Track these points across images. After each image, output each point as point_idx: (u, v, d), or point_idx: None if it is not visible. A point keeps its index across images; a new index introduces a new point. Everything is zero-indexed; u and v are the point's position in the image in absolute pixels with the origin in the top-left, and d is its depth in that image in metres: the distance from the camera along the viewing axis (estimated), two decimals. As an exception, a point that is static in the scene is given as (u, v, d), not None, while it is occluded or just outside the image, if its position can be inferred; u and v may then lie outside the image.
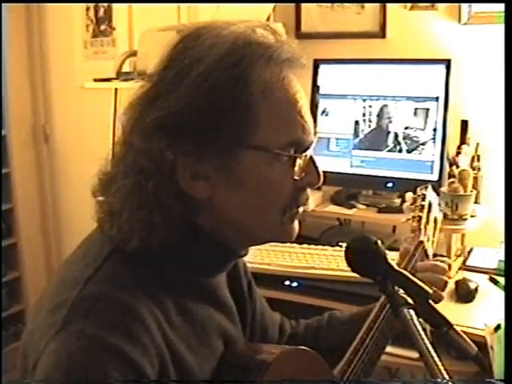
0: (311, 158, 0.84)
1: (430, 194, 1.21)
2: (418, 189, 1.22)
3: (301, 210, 0.86)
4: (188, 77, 0.77)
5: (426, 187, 1.22)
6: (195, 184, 0.79)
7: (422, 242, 1.13)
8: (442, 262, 1.09)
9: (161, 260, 0.80)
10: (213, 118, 0.76)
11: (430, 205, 1.18)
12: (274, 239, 0.89)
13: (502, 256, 1.77)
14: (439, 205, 1.80)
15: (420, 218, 1.15)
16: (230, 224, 0.82)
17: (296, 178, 0.81)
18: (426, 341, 0.80)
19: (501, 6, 1.78)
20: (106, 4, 2.76)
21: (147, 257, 0.79)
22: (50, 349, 0.71)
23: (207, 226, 0.82)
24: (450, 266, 1.06)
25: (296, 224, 0.86)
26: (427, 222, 1.16)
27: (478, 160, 1.97)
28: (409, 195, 1.23)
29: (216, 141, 0.77)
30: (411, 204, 1.19)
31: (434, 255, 1.18)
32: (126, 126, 0.81)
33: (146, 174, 0.77)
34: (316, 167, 0.84)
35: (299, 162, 0.81)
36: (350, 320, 1.13)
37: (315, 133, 0.85)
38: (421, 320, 0.84)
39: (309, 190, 0.86)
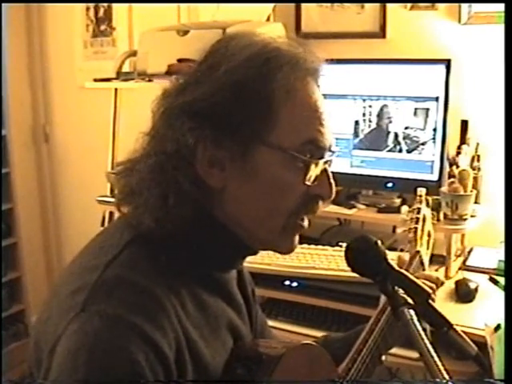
0: (326, 170, 0.85)
1: (425, 208, 1.27)
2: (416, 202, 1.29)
3: (306, 221, 0.87)
4: (217, 71, 0.81)
5: (421, 202, 1.28)
6: (211, 171, 0.81)
7: (418, 252, 1.16)
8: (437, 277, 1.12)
9: (177, 248, 0.82)
10: (235, 110, 0.80)
11: (424, 218, 1.24)
12: (272, 244, 0.89)
13: (502, 256, 1.77)
14: (439, 205, 1.81)
15: (416, 229, 1.20)
16: (238, 219, 0.84)
17: (307, 183, 0.83)
18: (426, 341, 0.80)
19: (501, 6, 1.78)
20: (105, 4, 2.76)
21: (165, 245, 0.81)
22: (72, 329, 0.72)
23: (220, 217, 0.84)
24: (442, 283, 1.13)
25: (297, 238, 0.88)
26: (422, 234, 1.21)
27: (478, 160, 1.97)
28: (404, 209, 1.30)
29: (235, 132, 0.80)
30: (407, 216, 1.25)
31: (432, 255, 1.20)
32: (156, 114, 0.85)
33: (167, 155, 0.81)
34: (329, 180, 0.85)
35: (313, 167, 0.83)
36: (346, 336, 1.14)
37: (333, 148, 0.86)
38: (421, 320, 0.85)
39: (320, 203, 0.86)
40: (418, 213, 1.24)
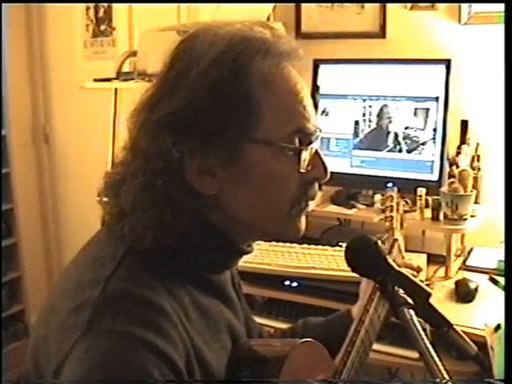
0: (317, 152, 0.84)
1: (396, 195, 1.28)
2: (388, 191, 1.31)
3: (310, 204, 0.86)
4: (188, 76, 0.78)
5: (392, 189, 1.29)
6: (203, 180, 0.80)
7: (396, 240, 1.18)
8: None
9: (175, 257, 0.81)
10: (215, 114, 0.77)
11: (398, 205, 1.26)
12: (281, 234, 0.89)
13: (502, 256, 1.77)
14: (439, 205, 1.81)
15: (392, 217, 1.21)
16: (239, 219, 0.83)
17: (302, 170, 0.82)
18: (426, 341, 0.80)
19: (501, 6, 1.78)
20: (105, 4, 2.76)
21: (162, 254, 0.80)
22: (79, 350, 0.69)
23: (218, 222, 0.83)
24: (421, 269, 1.15)
25: (303, 220, 0.87)
26: (397, 222, 1.23)
27: (478, 160, 1.97)
28: (377, 197, 1.31)
29: (220, 136, 0.78)
30: (382, 205, 1.28)
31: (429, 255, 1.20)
32: (133, 130, 0.82)
33: (155, 173, 0.78)
34: (323, 162, 0.84)
35: (304, 154, 0.82)
36: (325, 322, 1.15)
37: (320, 130, 0.85)
38: (421, 320, 0.85)
39: (317, 185, 0.86)
40: (392, 201, 1.25)
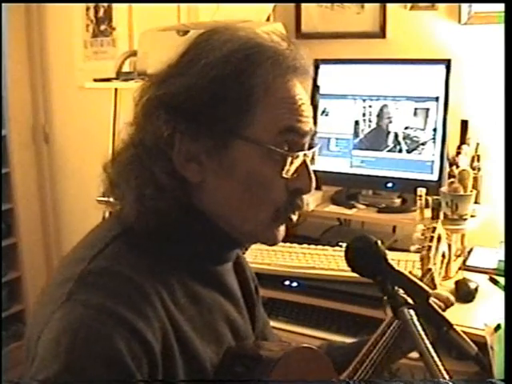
0: (306, 163, 0.85)
1: (440, 228, 1.29)
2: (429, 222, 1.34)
3: (295, 216, 0.86)
4: (197, 64, 0.81)
5: (437, 221, 1.33)
6: (189, 166, 0.82)
7: (429, 270, 1.17)
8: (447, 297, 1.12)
9: (163, 241, 0.83)
10: (211, 105, 0.80)
11: (439, 238, 1.25)
12: (256, 236, 0.88)
13: (502, 256, 1.77)
14: (439, 205, 1.81)
15: (430, 247, 1.21)
16: (219, 213, 0.84)
17: (284, 175, 0.82)
18: (426, 341, 0.80)
19: (501, 6, 1.78)
20: (105, 4, 2.76)
21: (150, 238, 0.82)
22: (55, 317, 0.73)
23: (201, 209, 0.84)
24: (452, 303, 1.12)
25: (282, 229, 0.87)
26: (436, 253, 1.22)
27: (478, 160, 1.97)
28: (420, 227, 1.32)
29: (211, 126, 0.80)
30: (421, 235, 1.27)
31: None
32: (139, 103, 0.85)
33: (145, 147, 0.82)
34: (309, 173, 0.85)
35: (290, 161, 0.82)
36: (349, 344, 1.15)
37: (315, 133, 0.85)
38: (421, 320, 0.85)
39: (304, 197, 0.86)
40: (433, 232, 1.25)
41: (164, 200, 0.81)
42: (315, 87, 2.07)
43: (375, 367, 0.94)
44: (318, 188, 2.14)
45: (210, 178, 0.82)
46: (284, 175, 0.82)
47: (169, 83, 0.82)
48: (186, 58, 0.83)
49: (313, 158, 0.86)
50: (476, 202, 1.89)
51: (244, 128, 0.80)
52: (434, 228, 1.27)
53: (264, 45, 0.82)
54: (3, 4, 2.73)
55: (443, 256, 1.27)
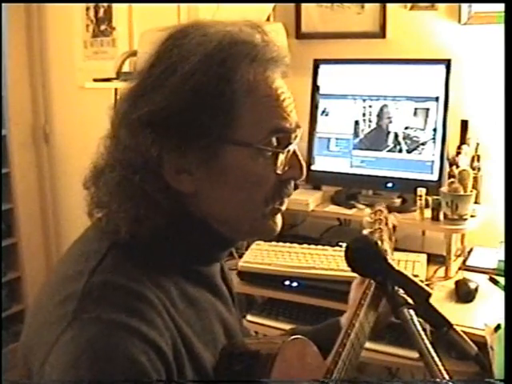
0: (294, 152, 0.85)
1: (384, 210, 1.32)
2: (376, 205, 1.36)
3: (284, 204, 0.86)
4: (174, 75, 0.78)
5: (381, 204, 1.36)
6: (180, 178, 0.81)
7: (385, 251, 1.16)
8: None
9: (158, 249, 0.82)
10: (196, 116, 0.78)
11: (386, 218, 1.28)
12: (256, 233, 0.89)
13: (502, 256, 1.77)
14: (439, 205, 1.81)
15: (381, 230, 1.22)
16: (217, 217, 0.84)
17: (279, 172, 0.82)
18: (426, 341, 0.80)
19: (501, 6, 1.78)
20: (105, 4, 2.76)
21: (146, 246, 0.81)
22: (65, 339, 0.70)
23: (197, 214, 0.84)
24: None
25: (279, 219, 0.87)
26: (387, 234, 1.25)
27: (478, 160, 1.97)
28: (367, 211, 1.34)
29: (199, 138, 0.79)
30: (371, 218, 1.29)
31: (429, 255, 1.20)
32: (115, 121, 0.84)
33: (133, 168, 0.79)
34: (299, 161, 0.85)
35: (282, 156, 0.82)
36: (313, 330, 1.14)
37: (299, 126, 0.85)
38: (421, 320, 0.85)
39: (293, 183, 0.86)
40: (381, 215, 1.27)
41: (161, 215, 0.80)
42: (315, 87, 2.07)
43: (355, 348, 0.93)
44: (318, 188, 2.14)
45: (203, 186, 0.81)
46: (278, 171, 0.82)
47: (146, 98, 0.79)
48: (159, 68, 0.80)
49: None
50: (476, 202, 1.89)
51: (231, 132, 0.79)
52: (381, 211, 1.29)
53: (238, 43, 0.80)
54: (3, 4, 2.73)
55: (394, 228, 1.29)
